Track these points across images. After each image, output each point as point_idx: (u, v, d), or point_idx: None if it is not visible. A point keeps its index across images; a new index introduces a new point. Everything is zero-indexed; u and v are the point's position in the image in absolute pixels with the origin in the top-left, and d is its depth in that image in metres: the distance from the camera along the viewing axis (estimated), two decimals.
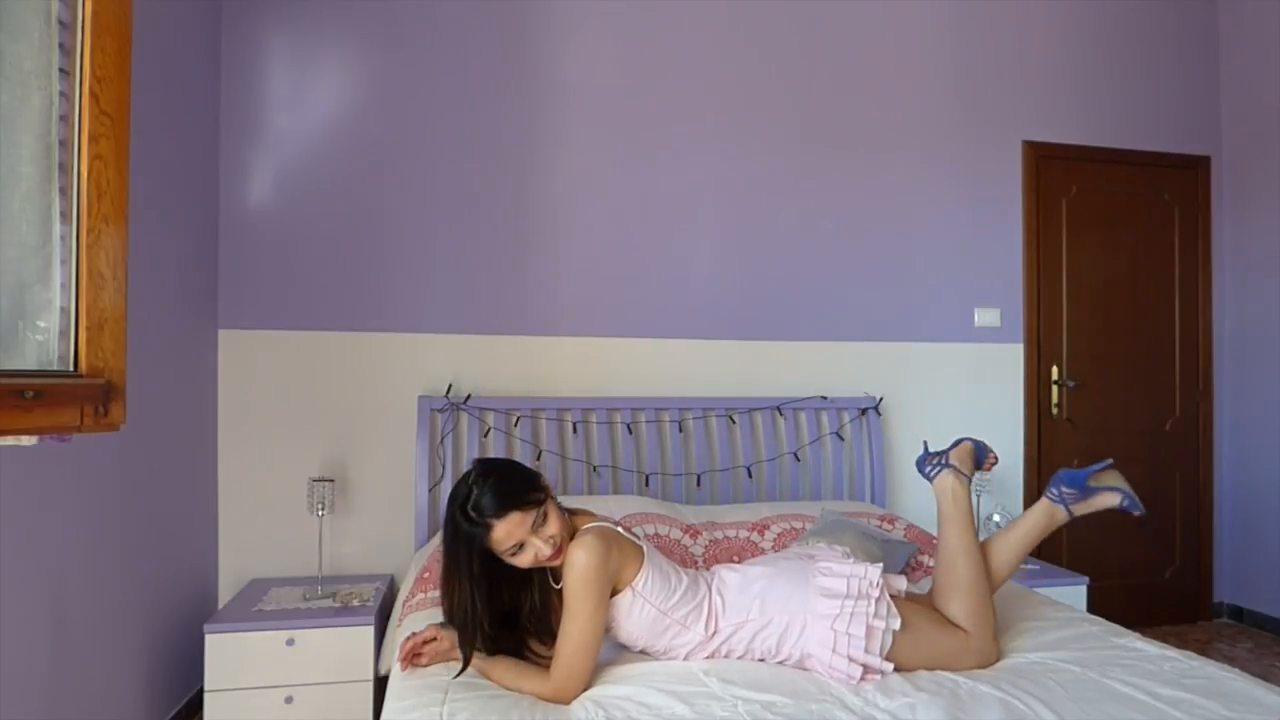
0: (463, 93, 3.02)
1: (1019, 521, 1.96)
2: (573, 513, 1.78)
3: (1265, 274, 3.69)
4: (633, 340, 3.14)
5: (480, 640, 1.65)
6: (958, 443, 2.03)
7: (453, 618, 1.67)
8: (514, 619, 1.73)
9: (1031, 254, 3.58)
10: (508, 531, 1.60)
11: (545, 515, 1.64)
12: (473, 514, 1.60)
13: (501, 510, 1.59)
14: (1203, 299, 3.83)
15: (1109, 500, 1.91)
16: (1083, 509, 1.92)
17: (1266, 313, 3.68)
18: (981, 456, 2.02)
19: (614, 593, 1.69)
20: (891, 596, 1.78)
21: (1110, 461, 1.95)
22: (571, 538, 1.68)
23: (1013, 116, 3.58)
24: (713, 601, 1.78)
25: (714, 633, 1.75)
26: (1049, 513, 1.93)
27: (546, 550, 1.63)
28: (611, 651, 1.79)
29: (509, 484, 1.63)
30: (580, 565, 1.61)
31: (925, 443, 2.20)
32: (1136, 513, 1.91)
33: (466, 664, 1.65)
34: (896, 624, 1.72)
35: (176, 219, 2.51)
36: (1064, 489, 1.92)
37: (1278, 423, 3.62)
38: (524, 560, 1.63)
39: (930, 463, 2.00)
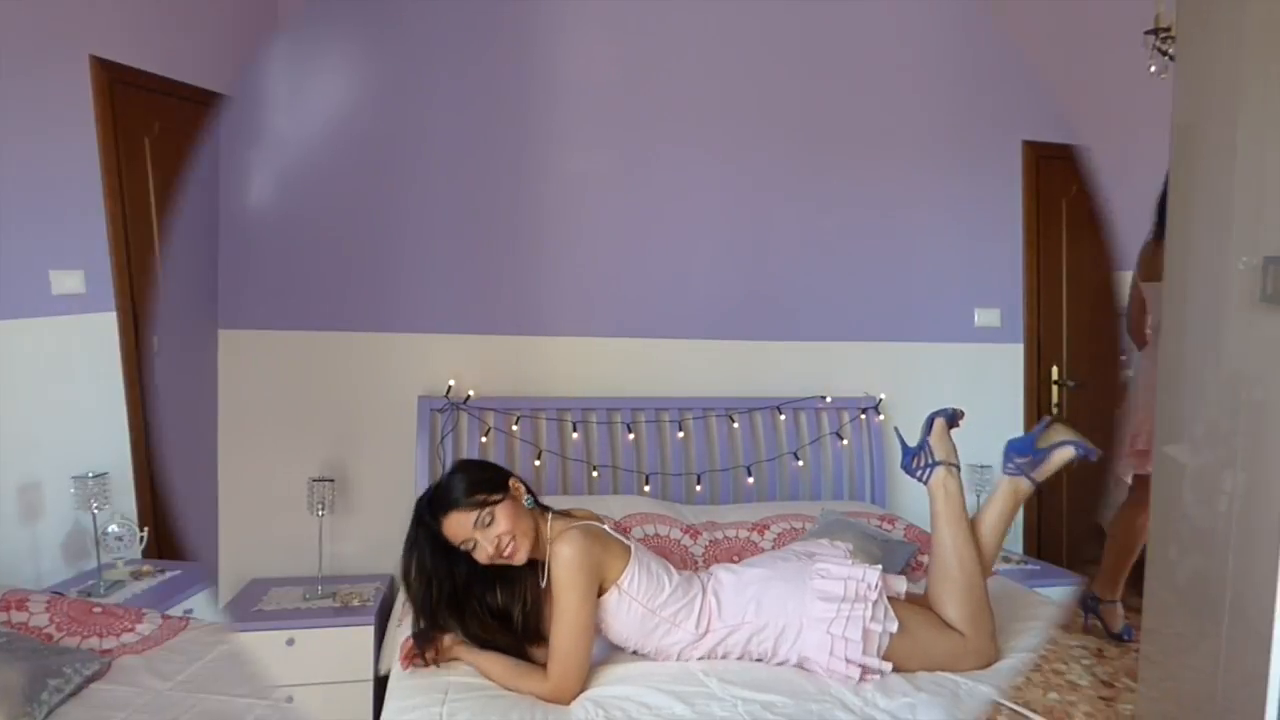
0: (462, 92, 3.01)
1: (988, 506, 1.94)
2: (570, 513, 1.78)
3: None
4: (633, 340, 3.14)
5: (436, 622, 1.73)
6: (930, 426, 1.98)
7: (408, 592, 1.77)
8: (509, 620, 1.75)
9: (1031, 254, 3.57)
10: (452, 532, 1.69)
11: (492, 516, 1.67)
12: (424, 512, 1.73)
13: (443, 511, 1.69)
14: None
15: (1063, 455, 1.89)
16: (1042, 473, 1.90)
17: None
18: (951, 424, 2.00)
19: (601, 592, 1.70)
20: (890, 599, 1.77)
21: (1048, 419, 1.95)
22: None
23: (1013, 116, 3.57)
24: (706, 601, 1.77)
25: (706, 631, 1.75)
26: (1012, 487, 1.91)
27: (489, 549, 1.66)
28: (609, 651, 1.79)
29: (457, 486, 1.72)
30: (564, 558, 1.64)
31: (896, 429, 2.18)
32: (1093, 458, 1.89)
33: (421, 634, 1.75)
34: (893, 627, 1.71)
35: (176, 219, 2.51)
36: (1016, 459, 1.91)
37: None
38: (481, 557, 1.68)
39: (918, 463, 1.96)
